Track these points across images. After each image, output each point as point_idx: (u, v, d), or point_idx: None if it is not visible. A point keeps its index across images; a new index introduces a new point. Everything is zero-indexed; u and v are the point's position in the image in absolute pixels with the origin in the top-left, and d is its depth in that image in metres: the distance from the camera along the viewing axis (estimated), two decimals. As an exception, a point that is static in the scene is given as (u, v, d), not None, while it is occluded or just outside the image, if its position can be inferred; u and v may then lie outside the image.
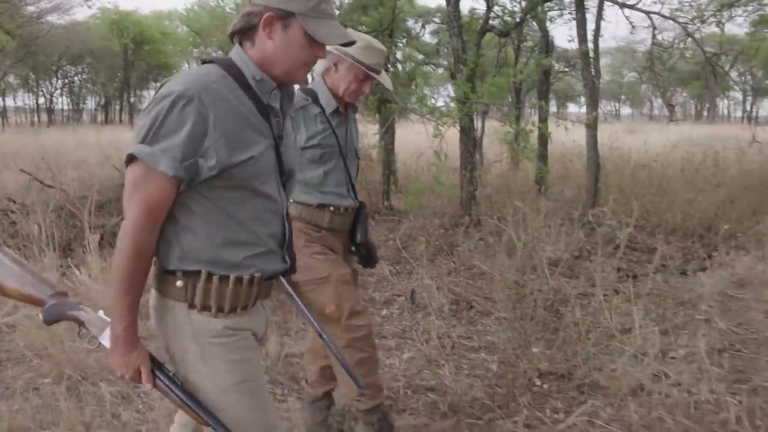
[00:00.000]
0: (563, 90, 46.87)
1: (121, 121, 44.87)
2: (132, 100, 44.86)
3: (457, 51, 6.91)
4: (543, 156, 9.79)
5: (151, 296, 1.77)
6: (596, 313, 4.24)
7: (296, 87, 2.48)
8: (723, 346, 4.22)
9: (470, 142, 7.13)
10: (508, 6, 8.77)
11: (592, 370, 3.64)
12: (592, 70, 7.35)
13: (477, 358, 3.99)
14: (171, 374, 1.69)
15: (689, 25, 7.61)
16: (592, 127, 7.40)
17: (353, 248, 2.94)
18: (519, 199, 6.64)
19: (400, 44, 22.31)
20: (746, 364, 4.00)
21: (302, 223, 2.76)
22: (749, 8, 10.56)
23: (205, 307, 1.67)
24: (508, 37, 8.45)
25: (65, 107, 50.49)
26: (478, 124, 7.90)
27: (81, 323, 1.76)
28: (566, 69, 35.25)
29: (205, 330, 1.68)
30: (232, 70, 1.66)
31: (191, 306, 1.67)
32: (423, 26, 21.54)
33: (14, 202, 7.00)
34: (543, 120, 7.96)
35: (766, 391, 3.60)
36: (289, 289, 2.32)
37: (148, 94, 51.30)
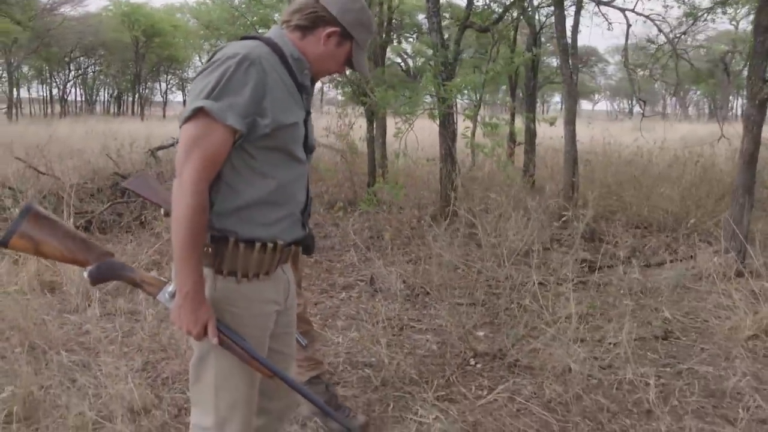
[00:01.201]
0: (574, 87, 46.92)
1: (133, 112, 45.32)
2: (144, 92, 45.34)
3: (436, 46, 7.11)
4: (531, 150, 10.00)
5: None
6: (544, 300, 4.43)
7: None
8: (664, 333, 4.41)
9: (449, 135, 7.33)
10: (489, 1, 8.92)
11: (523, 352, 3.84)
12: (570, 65, 7.51)
13: (422, 339, 4.20)
14: (233, 331, 1.78)
15: (661, 23, 7.76)
16: (570, 122, 7.58)
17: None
18: (503, 192, 6.85)
19: (411, 39, 22.52)
20: (681, 350, 4.19)
21: None
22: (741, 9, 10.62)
23: (231, 273, 1.78)
24: (488, 33, 8.61)
25: (78, 98, 51.03)
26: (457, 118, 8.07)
27: (135, 283, 1.84)
28: (579, 65, 35.44)
29: (226, 298, 1.79)
30: (275, 47, 1.82)
31: (218, 271, 1.78)
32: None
33: (10, 189, 7.28)
34: (521, 114, 8.10)
35: (690, 374, 3.79)
36: None
37: (160, 87, 51.80)
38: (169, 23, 37.98)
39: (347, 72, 3.08)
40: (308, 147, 1.94)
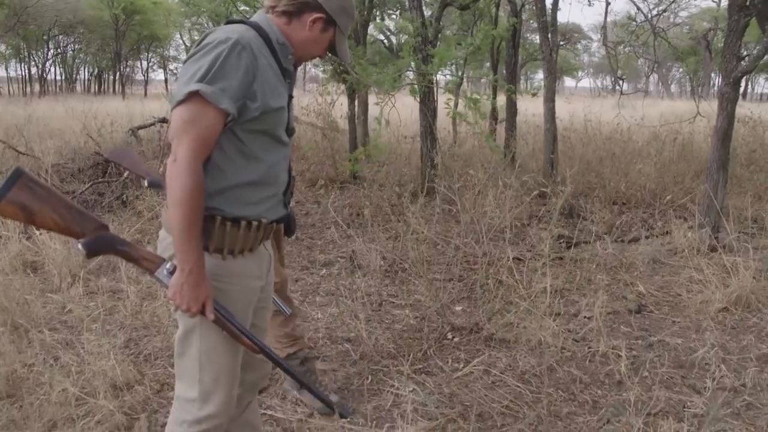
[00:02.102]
0: (558, 64, 46.94)
1: (114, 91, 44.82)
2: (125, 70, 44.80)
3: (416, 24, 7.12)
4: (511, 126, 10.06)
5: (160, 238, 1.92)
6: (520, 275, 4.51)
7: None
8: (637, 307, 4.51)
9: (429, 112, 7.37)
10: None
11: (498, 325, 3.93)
12: (550, 42, 7.55)
13: (400, 314, 4.29)
14: (224, 307, 1.83)
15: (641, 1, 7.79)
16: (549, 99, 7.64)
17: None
18: (483, 169, 6.91)
19: (394, 16, 22.39)
20: (653, 323, 4.30)
21: None
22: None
23: (217, 250, 1.83)
24: (468, 10, 8.63)
25: (58, 77, 50.36)
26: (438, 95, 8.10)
27: (131, 258, 1.83)
28: (562, 42, 35.39)
29: (213, 275, 1.81)
30: (260, 32, 1.86)
31: (204, 249, 1.80)
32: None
33: (-11, 169, 7.25)
34: (503, 89, 8.14)
35: (661, 346, 3.90)
36: None
37: (141, 65, 51.21)
38: (150, 0, 37.47)
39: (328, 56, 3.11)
40: (290, 130, 2.00)
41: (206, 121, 1.71)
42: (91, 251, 1.80)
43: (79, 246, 1.78)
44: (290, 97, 1.99)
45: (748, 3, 5.83)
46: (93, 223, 1.81)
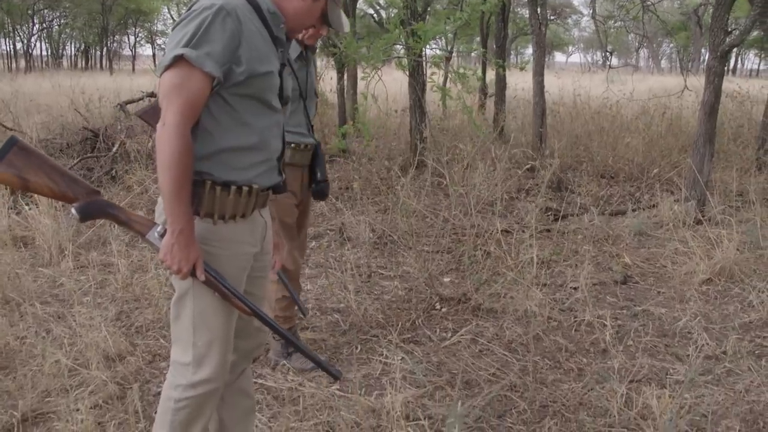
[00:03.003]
0: (549, 39, 46.89)
1: (101, 67, 44.37)
2: (112, 45, 44.30)
3: (405, -2, 7.09)
4: (500, 100, 10.08)
5: (158, 203, 1.93)
6: (508, 247, 4.56)
7: None
8: (623, 278, 4.58)
9: (418, 86, 7.37)
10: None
11: (486, 296, 3.99)
12: (539, 16, 7.55)
13: (389, 285, 4.34)
14: (215, 270, 1.85)
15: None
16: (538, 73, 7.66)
17: (313, 185, 3.21)
18: (472, 143, 6.94)
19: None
20: (639, 294, 4.37)
21: None
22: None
23: (207, 215, 1.85)
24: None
25: (44, 53, 49.72)
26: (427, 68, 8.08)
27: (122, 222, 1.86)
28: (552, 17, 35.29)
29: (203, 238, 1.84)
30: (251, 1, 1.88)
31: (195, 213, 1.83)
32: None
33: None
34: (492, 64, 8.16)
35: (646, 315, 3.97)
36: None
37: (128, 40, 50.64)
38: (137, -26, 37.03)
39: (326, 31, 3.14)
40: (284, 98, 2.02)
41: (193, 85, 1.74)
42: (85, 215, 1.84)
43: (73, 210, 1.82)
44: (283, 65, 2.00)
45: (736, -24, 5.84)
46: (85, 188, 1.85)
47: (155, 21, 47.40)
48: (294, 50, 3.05)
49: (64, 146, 7.84)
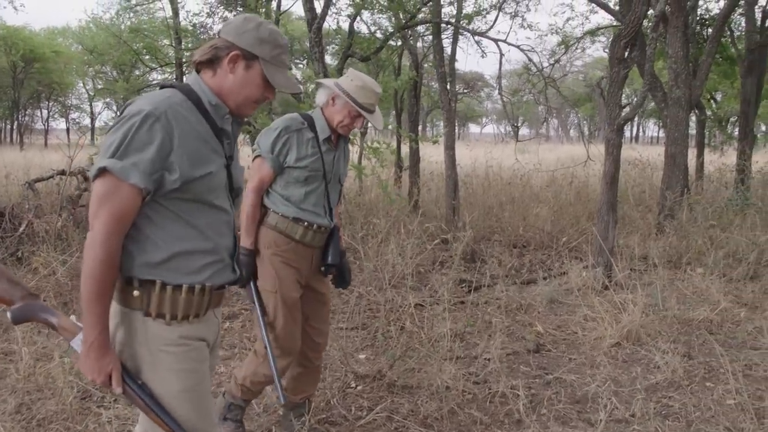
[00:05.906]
0: (462, 111, 48.59)
1: (12, 141, 43.01)
2: (24, 119, 43.11)
3: (319, 76, 7.26)
4: (414, 173, 10.32)
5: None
6: (421, 321, 4.60)
7: (296, 112, 3.07)
8: (536, 346, 4.68)
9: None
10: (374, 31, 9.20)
11: (400, 372, 3.99)
12: (449, 92, 7.85)
13: (305, 364, 4.28)
14: (139, 381, 1.79)
15: (534, 52, 8.27)
16: (450, 147, 7.91)
17: (323, 268, 3.15)
18: (386, 217, 7.04)
19: (301, 66, 22.65)
20: (551, 361, 4.47)
21: (275, 232, 3.00)
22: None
23: (159, 315, 1.79)
24: (368, 62, 8.89)
25: (-49, 127, 47.91)
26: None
27: (52, 326, 1.83)
28: (465, 90, 36.67)
29: (159, 338, 1.79)
30: (190, 95, 1.83)
31: (146, 314, 1.79)
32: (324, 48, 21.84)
33: None
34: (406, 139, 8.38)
35: (558, 383, 4.06)
36: (254, 297, 2.91)
37: (41, 114, 49.45)
38: (50, 48, 36.36)
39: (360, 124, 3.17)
40: (234, 191, 1.97)
41: (119, 197, 1.70)
42: (17, 319, 1.83)
43: (8, 314, 1.82)
44: (230, 157, 1.94)
45: (626, 56, 6.27)
46: (23, 291, 1.84)
47: (69, 95, 46.57)
48: (323, 132, 3.05)
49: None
